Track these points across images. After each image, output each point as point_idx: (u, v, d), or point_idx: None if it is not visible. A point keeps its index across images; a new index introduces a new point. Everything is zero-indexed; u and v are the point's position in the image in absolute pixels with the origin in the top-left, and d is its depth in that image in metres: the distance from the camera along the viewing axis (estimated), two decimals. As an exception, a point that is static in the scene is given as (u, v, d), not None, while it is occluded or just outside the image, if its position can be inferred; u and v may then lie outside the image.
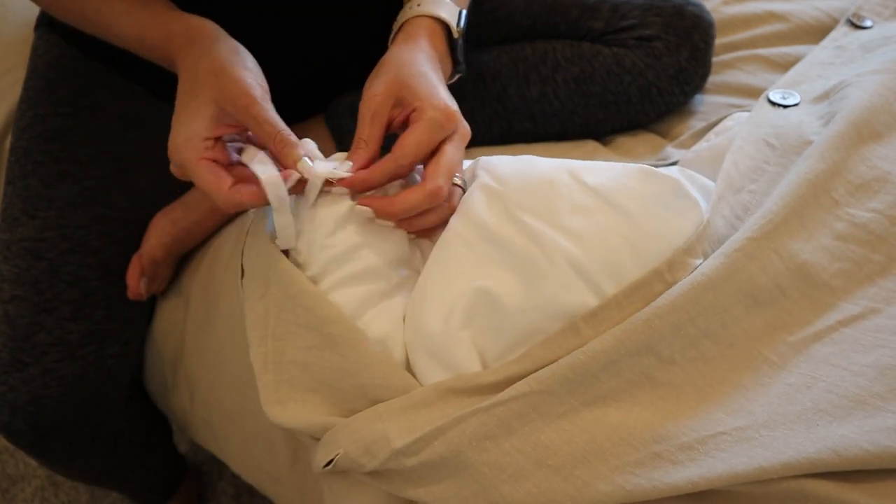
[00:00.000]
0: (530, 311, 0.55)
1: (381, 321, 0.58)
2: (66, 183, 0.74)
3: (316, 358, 0.57)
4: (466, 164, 0.66)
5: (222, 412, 0.81)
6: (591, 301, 0.54)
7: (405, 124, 0.60)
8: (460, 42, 0.67)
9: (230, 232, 0.83)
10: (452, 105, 0.60)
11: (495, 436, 0.52)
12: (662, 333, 0.53)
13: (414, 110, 0.59)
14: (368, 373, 0.55)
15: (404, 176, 0.60)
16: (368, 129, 0.59)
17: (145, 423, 0.92)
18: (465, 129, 0.60)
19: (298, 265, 0.59)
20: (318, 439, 0.58)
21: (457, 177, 0.60)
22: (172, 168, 0.59)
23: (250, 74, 0.57)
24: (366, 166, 0.58)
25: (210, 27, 0.62)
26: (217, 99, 0.56)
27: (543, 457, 0.52)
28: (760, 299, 0.57)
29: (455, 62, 0.68)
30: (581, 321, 0.54)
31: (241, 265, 0.62)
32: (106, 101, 0.77)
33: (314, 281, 0.58)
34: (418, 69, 0.61)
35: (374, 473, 0.55)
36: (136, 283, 0.77)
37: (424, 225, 0.60)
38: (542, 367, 0.53)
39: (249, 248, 0.61)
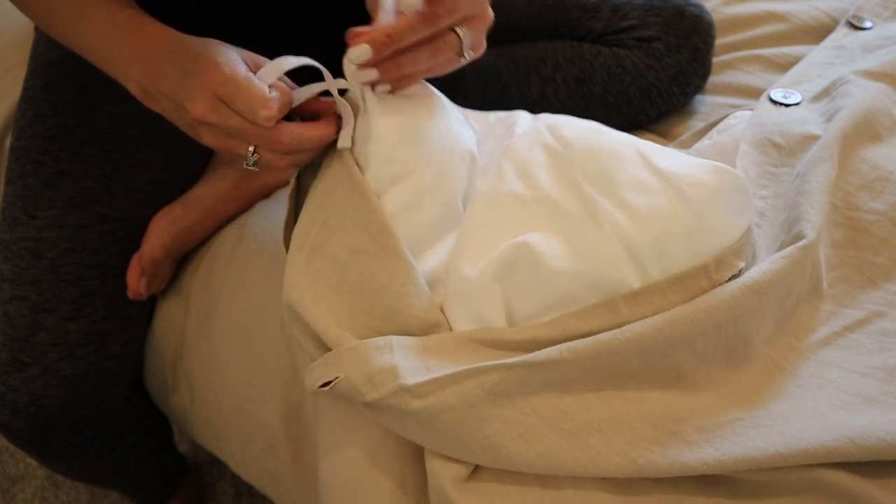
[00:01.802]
0: (570, 278, 0.53)
1: (434, 259, 0.56)
2: (66, 183, 0.74)
3: (358, 263, 0.54)
4: (527, 117, 0.64)
5: (222, 412, 0.81)
6: (634, 281, 0.53)
7: None
8: None
9: (230, 232, 0.83)
10: None
11: (513, 394, 0.50)
12: (703, 329, 0.52)
13: None
14: (409, 301, 0.53)
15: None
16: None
17: (145, 423, 0.92)
18: (489, 12, 0.56)
19: None
20: (313, 357, 0.55)
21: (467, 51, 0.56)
22: (203, 125, 0.56)
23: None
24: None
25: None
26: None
27: (559, 421, 0.50)
28: (784, 306, 0.56)
29: None
30: (621, 299, 0.52)
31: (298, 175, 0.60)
32: (106, 101, 0.77)
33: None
34: None
35: (372, 405, 0.52)
36: (136, 283, 0.77)
37: (416, 66, 0.56)
38: (571, 337, 0.52)
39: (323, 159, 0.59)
